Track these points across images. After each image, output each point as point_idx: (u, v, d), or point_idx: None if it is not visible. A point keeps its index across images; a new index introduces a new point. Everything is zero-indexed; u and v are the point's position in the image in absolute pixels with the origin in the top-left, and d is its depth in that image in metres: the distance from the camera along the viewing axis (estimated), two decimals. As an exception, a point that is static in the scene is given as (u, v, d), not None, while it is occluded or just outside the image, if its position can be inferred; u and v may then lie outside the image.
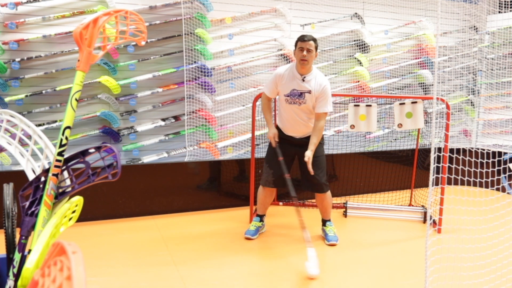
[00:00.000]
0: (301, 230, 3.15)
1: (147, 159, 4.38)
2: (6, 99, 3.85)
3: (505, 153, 4.82)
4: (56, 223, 1.52)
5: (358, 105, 3.99)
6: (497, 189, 2.92)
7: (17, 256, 1.54)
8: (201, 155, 4.58)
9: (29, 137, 1.84)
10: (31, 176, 1.76)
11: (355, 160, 4.88)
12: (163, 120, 4.48)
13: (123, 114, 4.31)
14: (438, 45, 3.77)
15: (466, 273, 2.47)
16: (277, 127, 3.55)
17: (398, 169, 5.13)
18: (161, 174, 4.20)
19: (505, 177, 4.61)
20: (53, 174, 1.59)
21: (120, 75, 4.24)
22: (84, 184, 1.63)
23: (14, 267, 1.53)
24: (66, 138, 1.62)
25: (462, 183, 2.85)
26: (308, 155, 3.21)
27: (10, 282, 1.51)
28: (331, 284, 2.79)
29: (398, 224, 4.03)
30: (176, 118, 4.52)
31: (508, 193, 4.85)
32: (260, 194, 3.64)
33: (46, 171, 1.63)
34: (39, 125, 3.94)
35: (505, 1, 5.03)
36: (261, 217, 3.69)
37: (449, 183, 3.08)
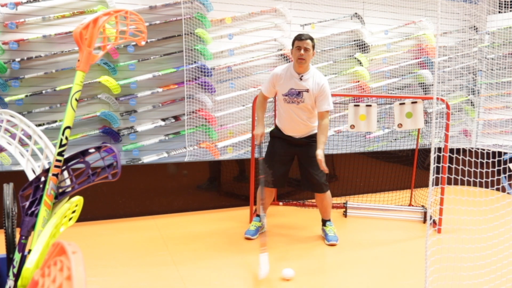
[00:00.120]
0: (262, 212, 3.11)
1: (147, 159, 4.38)
2: (6, 99, 3.85)
3: (505, 153, 4.82)
4: (56, 223, 1.52)
5: (358, 105, 3.99)
6: (497, 189, 2.92)
7: (17, 256, 1.54)
8: (201, 155, 4.58)
9: (29, 137, 1.84)
10: (31, 176, 1.76)
11: (355, 160, 4.88)
12: (163, 120, 4.48)
13: (123, 114, 4.31)
14: (438, 45, 3.77)
15: (466, 273, 2.47)
16: (277, 127, 3.55)
17: (398, 169, 5.13)
18: (161, 174, 4.20)
19: (505, 177, 4.61)
20: (53, 174, 1.59)
21: (120, 75, 4.24)
22: (84, 184, 1.63)
23: (14, 267, 1.53)
24: (66, 138, 1.62)
25: (462, 183, 2.85)
26: (320, 153, 3.21)
27: (10, 282, 1.51)
28: (331, 284, 2.79)
29: (398, 224, 4.03)
30: (176, 118, 4.52)
31: (508, 193, 4.85)
32: (259, 194, 3.63)
33: (46, 171, 1.63)
34: (39, 125, 3.94)
35: (505, 1, 5.03)
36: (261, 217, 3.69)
37: (449, 183, 3.08)
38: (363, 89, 5.29)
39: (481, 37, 5.81)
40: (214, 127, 4.65)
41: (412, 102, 3.89)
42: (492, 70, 5.66)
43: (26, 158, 1.82)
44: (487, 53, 5.74)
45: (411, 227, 3.95)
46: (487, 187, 2.95)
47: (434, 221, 3.84)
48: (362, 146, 5.30)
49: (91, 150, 1.63)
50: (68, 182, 1.68)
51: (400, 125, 3.95)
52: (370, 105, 3.96)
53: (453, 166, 2.80)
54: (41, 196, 1.59)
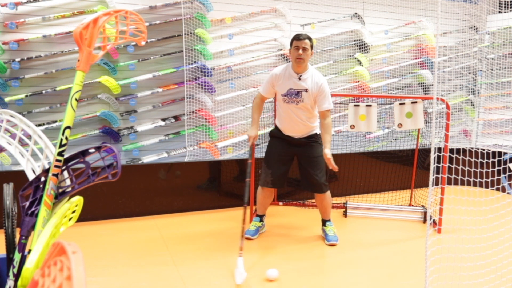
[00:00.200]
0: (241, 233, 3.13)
1: (147, 159, 4.38)
2: (6, 99, 3.85)
3: (505, 153, 4.82)
4: (56, 223, 1.52)
5: (358, 105, 3.99)
6: (497, 189, 2.92)
7: (17, 256, 1.54)
8: (201, 155, 4.58)
9: (29, 137, 1.84)
10: (31, 176, 1.76)
11: (355, 160, 4.88)
12: (163, 120, 4.48)
13: (123, 114, 4.31)
14: (438, 45, 3.77)
15: (466, 273, 2.47)
16: (276, 127, 3.55)
17: (398, 169, 5.13)
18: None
19: (505, 177, 4.61)
20: (53, 174, 1.59)
21: (120, 75, 4.24)
22: (84, 184, 1.63)
23: (14, 267, 1.53)
24: (66, 138, 1.62)
25: (462, 183, 2.85)
26: (328, 153, 3.22)
27: (10, 282, 1.51)
28: (331, 284, 2.79)
29: (398, 224, 4.03)
30: (176, 118, 4.52)
31: (508, 193, 4.85)
32: (259, 194, 3.64)
33: (46, 171, 1.63)
34: (39, 125, 3.94)
35: (505, 1, 5.03)
36: (261, 217, 3.69)
37: (449, 183, 3.08)
38: (363, 89, 5.29)
39: (481, 37, 5.81)
40: (214, 127, 4.65)
41: (412, 102, 3.89)
42: (492, 70, 5.66)
43: (26, 158, 1.82)
44: (487, 53, 5.74)
45: (411, 227, 3.95)
46: (487, 187, 2.96)
47: (434, 221, 3.84)
48: (362, 146, 5.30)
49: (91, 150, 1.63)
50: (68, 182, 1.68)
51: (400, 125, 3.95)
52: (370, 105, 3.96)
53: (453, 166, 2.80)
54: (41, 196, 1.60)
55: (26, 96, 3.93)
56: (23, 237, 1.55)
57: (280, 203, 4.41)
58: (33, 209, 1.59)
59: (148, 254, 3.18)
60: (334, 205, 4.21)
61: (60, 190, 1.64)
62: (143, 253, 3.19)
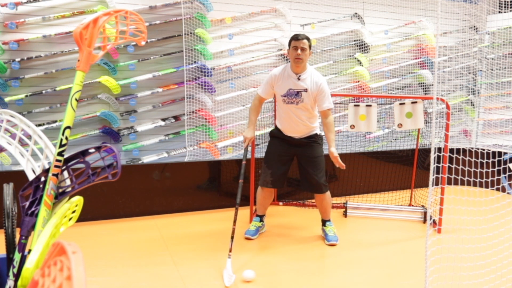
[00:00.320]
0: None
1: (147, 159, 4.38)
2: (6, 99, 3.85)
3: (505, 153, 4.82)
4: (56, 223, 1.52)
5: (358, 105, 3.99)
6: (497, 189, 2.92)
7: (17, 256, 1.54)
8: (201, 155, 4.58)
9: (29, 137, 1.84)
10: (31, 176, 1.76)
11: (355, 160, 4.88)
12: (163, 120, 4.48)
13: (123, 114, 4.31)
14: (438, 45, 3.77)
15: (466, 273, 2.47)
16: (277, 128, 3.55)
17: (398, 169, 5.13)
18: (161, 174, 4.19)
19: (505, 177, 4.61)
20: (53, 174, 1.59)
21: (120, 75, 4.24)
22: (84, 184, 1.63)
23: (14, 267, 1.53)
24: (66, 138, 1.62)
25: (462, 183, 2.85)
26: (334, 151, 3.23)
27: (10, 282, 1.51)
28: (331, 284, 2.79)
29: (398, 224, 4.03)
30: (176, 118, 4.52)
31: (508, 193, 4.85)
32: (259, 195, 3.64)
33: (46, 171, 1.63)
34: (39, 125, 3.94)
35: (505, 1, 5.03)
36: (261, 217, 3.69)
37: (449, 183, 3.08)
38: (363, 89, 5.29)
39: (481, 37, 5.81)
40: (214, 127, 4.65)
41: (412, 102, 3.89)
42: (492, 70, 5.66)
43: (26, 158, 1.82)
44: (487, 53, 5.74)
45: (411, 227, 3.95)
46: (487, 187, 2.95)
47: (434, 221, 3.84)
48: (362, 146, 5.30)
49: (91, 150, 1.63)
50: (68, 182, 1.68)
51: (400, 125, 3.95)
52: (370, 105, 3.96)
53: (453, 166, 2.80)
54: (41, 196, 1.59)
55: (26, 96, 3.93)
56: (23, 237, 1.55)
57: (280, 203, 4.41)
58: (33, 209, 1.59)
59: (148, 254, 3.18)
60: (334, 205, 4.21)
61: (60, 190, 1.64)
62: (143, 253, 3.19)
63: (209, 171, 4.47)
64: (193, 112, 4.56)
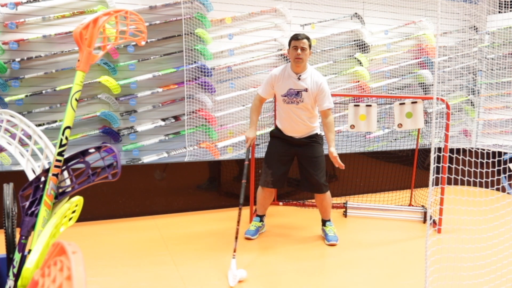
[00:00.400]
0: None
1: (147, 159, 4.38)
2: (6, 99, 3.85)
3: (505, 153, 4.82)
4: (56, 223, 1.52)
5: (358, 105, 3.99)
6: (497, 189, 2.92)
7: (17, 256, 1.54)
8: (201, 155, 4.58)
9: (29, 137, 1.84)
10: (31, 176, 1.76)
11: (355, 160, 4.88)
12: (163, 120, 4.48)
13: (123, 114, 4.31)
14: (438, 45, 3.77)
15: (466, 273, 2.47)
16: (277, 128, 3.55)
17: (398, 169, 5.13)
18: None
19: (505, 177, 4.61)
20: (53, 174, 1.59)
21: (120, 75, 4.24)
22: (84, 184, 1.63)
23: (14, 267, 1.53)
24: (66, 138, 1.62)
25: (462, 183, 2.85)
26: (333, 151, 3.23)
27: (10, 282, 1.51)
28: (331, 284, 2.79)
29: (398, 224, 4.03)
30: (176, 118, 4.52)
31: (508, 193, 4.85)
32: (259, 195, 3.64)
33: (46, 171, 1.63)
34: (39, 125, 3.94)
35: (505, 1, 5.03)
36: (261, 217, 3.69)
37: (449, 183, 3.08)
38: (363, 89, 5.29)
39: (481, 37, 5.81)
40: (214, 127, 4.65)
41: (412, 102, 3.89)
42: (492, 70, 5.66)
43: (26, 158, 1.82)
44: (487, 53, 5.74)
45: (411, 227, 3.95)
46: (487, 187, 2.96)
47: (434, 221, 3.84)
48: (362, 146, 5.30)
49: (91, 150, 1.63)
50: (68, 182, 1.68)
51: (400, 125, 3.95)
52: (370, 105, 3.96)
53: (453, 166, 2.80)
54: (41, 196, 1.59)
55: (26, 96, 3.93)
56: (23, 237, 1.55)
57: (280, 203, 4.41)
58: (33, 209, 1.59)
59: (148, 254, 3.18)
60: (334, 205, 4.21)
61: (60, 190, 1.64)
62: (143, 253, 3.19)
63: (209, 171, 4.47)
64: (193, 112, 4.56)
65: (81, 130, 4.17)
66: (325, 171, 3.49)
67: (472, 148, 3.58)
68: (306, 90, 3.31)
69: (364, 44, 5.23)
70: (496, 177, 2.90)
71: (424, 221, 4.08)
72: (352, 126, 4.02)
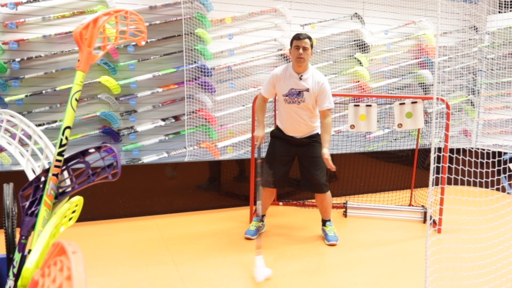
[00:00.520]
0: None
1: (147, 159, 4.38)
2: (6, 99, 3.85)
3: (505, 153, 4.82)
4: (56, 223, 1.52)
5: (358, 105, 3.99)
6: (497, 189, 2.92)
7: (17, 256, 1.54)
8: (201, 155, 4.58)
9: (29, 137, 1.84)
10: (31, 176, 1.76)
11: (355, 160, 4.88)
12: (163, 120, 4.48)
13: (123, 114, 4.31)
14: (438, 45, 3.77)
15: (466, 273, 2.47)
16: (278, 128, 3.55)
17: (398, 169, 5.13)
18: (161, 174, 4.20)
19: (505, 177, 4.61)
20: (53, 174, 1.59)
21: (120, 75, 4.24)
22: (84, 184, 1.63)
23: (14, 267, 1.53)
24: (66, 138, 1.62)
25: (462, 183, 2.85)
26: (326, 152, 3.23)
27: (10, 282, 1.51)
28: (331, 284, 2.79)
29: (398, 224, 4.03)
30: (176, 118, 4.52)
31: (508, 193, 4.85)
32: (260, 195, 3.63)
33: (46, 171, 1.63)
34: (39, 125, 3.94)
35: (505, 1, 5.03)
36: (261, 217, 3.69)
37: (449, 183, 3.08)
38: (363, 89, 5.29)
39: (481, 37, 5.81)
40: (214, 127, 4.65)
41: (412, 102, 3.89)
42: (492, 70, 5.66)
43: (26, 158, 1.82)
44: (487, 53, 5.74)
45: (411, 227, 3.95)
46: (487, 187, 2.95)
47: (434, 221, 3.84)
48: (362, 146, 5.30)
49: (91, 150, 1.63)
50: (68, 182, 1.68)
51: (400, 125, 3.95)
52: (370, 105, 3.96)
53: (453, 166, 2.80)
54: (41, 196, 1.59)
55: (26, 96, 3.93)
56: (23, 237, 1.55)
57: (280, 203, 4.41)
58: (33, 209, 1.59)
59: (148, 254, 3.18)
60: (334, 205, 4.21)
61: (60, 190, 1.64)
62: (143, 253, 3.19)
63: (209, 171, 4.47)
64: (193, 112, 4.56)
65: (81, 130, 4.17)
66: (325, 171, 3.49)
67: (472, 148, 3.58)
68: (307, 90, 3.30)
69: (364, 44, 5.23)
70: (496, 177, 2.90)
71: (424, 221, 4.08)
72: (352, 126, 4.02)
